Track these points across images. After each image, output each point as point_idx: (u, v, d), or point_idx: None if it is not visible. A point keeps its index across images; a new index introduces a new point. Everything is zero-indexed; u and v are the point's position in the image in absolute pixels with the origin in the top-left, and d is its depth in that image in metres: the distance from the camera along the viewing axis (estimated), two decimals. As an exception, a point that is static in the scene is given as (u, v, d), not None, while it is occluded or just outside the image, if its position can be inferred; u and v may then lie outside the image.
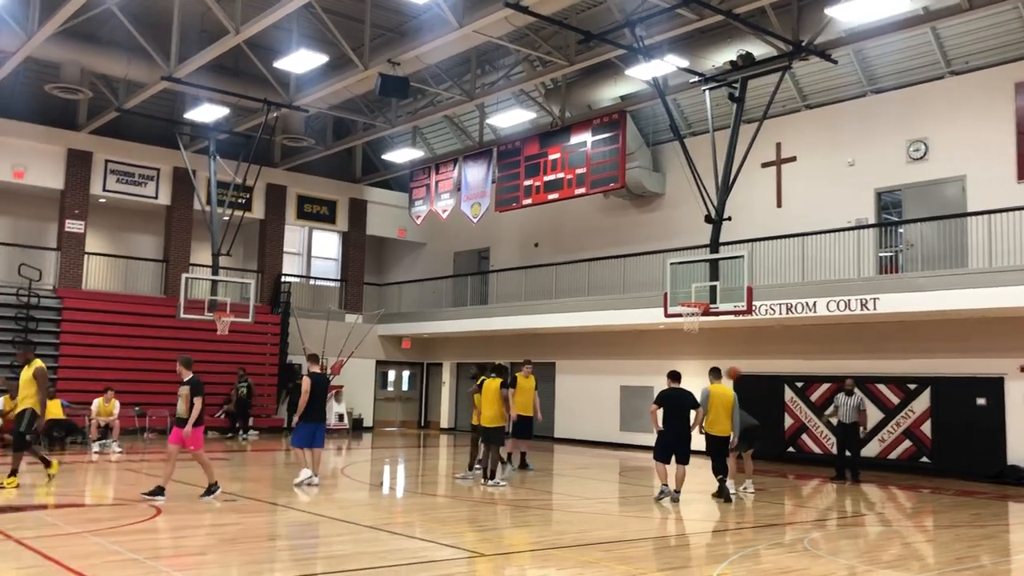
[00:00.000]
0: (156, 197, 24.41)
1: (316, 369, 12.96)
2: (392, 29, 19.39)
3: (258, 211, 26.06)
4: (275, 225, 26.61)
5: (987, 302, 14.78)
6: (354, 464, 17.33)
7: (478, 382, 14.08)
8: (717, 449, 12.60)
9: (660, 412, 12.13)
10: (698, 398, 12.40)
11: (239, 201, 22.12)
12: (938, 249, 17.14)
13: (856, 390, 16.01)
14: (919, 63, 18.08)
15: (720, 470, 12.50)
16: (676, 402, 12.13)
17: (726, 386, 12.94)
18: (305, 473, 12.65)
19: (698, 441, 12.50)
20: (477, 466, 14.25)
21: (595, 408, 22.67)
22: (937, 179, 17.82)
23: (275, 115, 21.05)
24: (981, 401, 16.52)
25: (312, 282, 28.32)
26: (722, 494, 12.36)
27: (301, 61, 17.89)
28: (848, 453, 15.89)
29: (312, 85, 20.19)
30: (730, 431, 12.67)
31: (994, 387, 16.37)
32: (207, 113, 20.77)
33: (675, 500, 11.96)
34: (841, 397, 15.83)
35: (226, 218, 21.72)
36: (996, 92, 17.04)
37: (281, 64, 18.29)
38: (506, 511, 11.28)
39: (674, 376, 12.47)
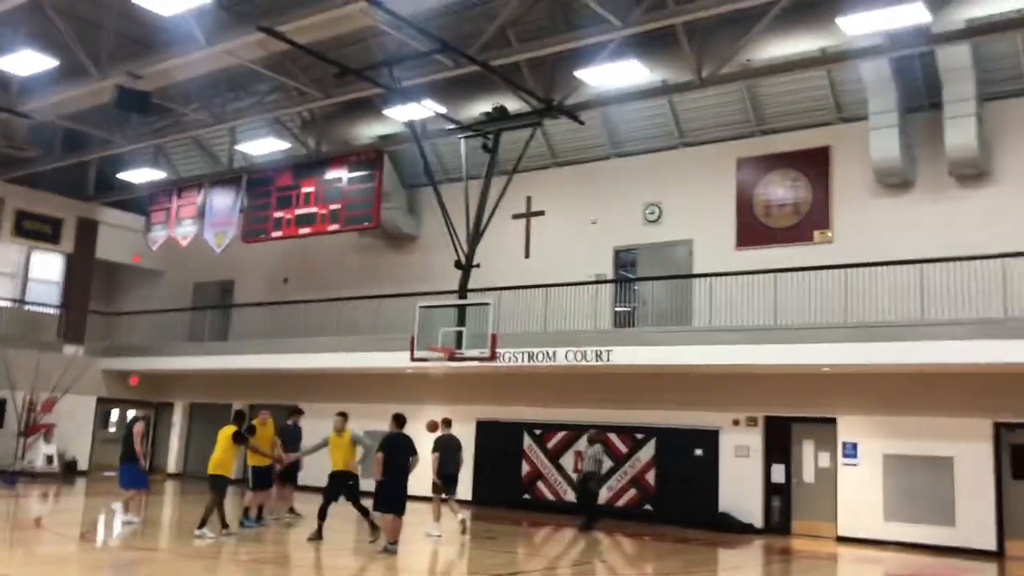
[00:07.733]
0: None
1: None
2: (137, 40, 17.98)
3: (-34, 224, 23.18)
4: (-14, 241, 23.74)
5: (706, 359, 15.88)
6: (59, 513, 15.52)
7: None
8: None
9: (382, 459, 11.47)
10: (431, 446, 12.27)
11: (-60, 211, 19.52)
12: (668, 306, 18.29)
13: (596, 443, 16.43)
14: (657, 132, 19.43)
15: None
16: (399, 449, 11.54)
17: None
18: None
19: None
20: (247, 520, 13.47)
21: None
22: (668, 241, 19.13)
23: (-9, 119, 18.84)
24: (699, 452, 17.67)
25: (26, 307, 25.41)
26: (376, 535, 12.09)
27: (25, 62, 16.15)
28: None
29: (40, 90, 18.28)
30: None
31: (710, 439, 17.59)
32: (-95, 109, 18.23)
33: (392, 552, 11.47)
34: (585, 447, 16.24)
35: (-78, 229, 19.09)
36: (721, 165, 18.62)
37: (0, 64, 16.41)
38: (230, 568, 10.44)
39: (399, 420, 11.96)
